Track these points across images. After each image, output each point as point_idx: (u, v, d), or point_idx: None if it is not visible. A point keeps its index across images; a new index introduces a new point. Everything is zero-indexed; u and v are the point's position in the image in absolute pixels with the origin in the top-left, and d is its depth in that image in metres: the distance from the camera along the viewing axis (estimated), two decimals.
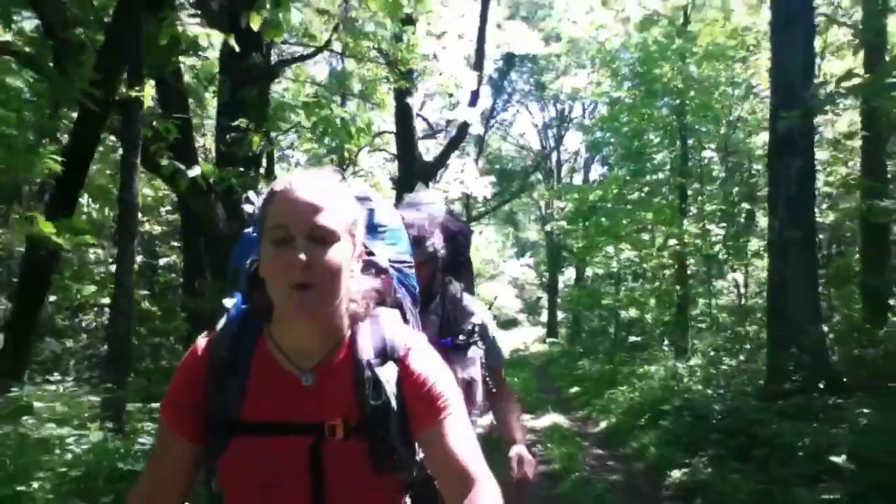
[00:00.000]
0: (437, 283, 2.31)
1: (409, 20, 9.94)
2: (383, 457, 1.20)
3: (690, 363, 9.12)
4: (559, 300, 28.20)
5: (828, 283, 8.61)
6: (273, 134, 9.53)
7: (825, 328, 7.30)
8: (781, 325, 6.99)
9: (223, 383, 1.25)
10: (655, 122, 13.91)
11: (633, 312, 15.47)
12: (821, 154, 8.82)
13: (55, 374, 5.44)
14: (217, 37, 5.21)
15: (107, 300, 8.36)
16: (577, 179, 31.16)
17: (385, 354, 1.26)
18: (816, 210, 7.61)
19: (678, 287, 12.95)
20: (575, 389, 12.35)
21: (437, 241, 2.23)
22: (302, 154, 15.10)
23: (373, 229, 1.50)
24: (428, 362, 1.28)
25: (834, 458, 3.98)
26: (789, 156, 6.83)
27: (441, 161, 14.75)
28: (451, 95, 12.94)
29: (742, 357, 8.17)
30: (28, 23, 6.38)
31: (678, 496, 5.00)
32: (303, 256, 1.14)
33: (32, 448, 3.34)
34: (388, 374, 1.23)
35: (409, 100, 13.12)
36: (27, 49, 4.97)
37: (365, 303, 1.31)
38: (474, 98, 11.60)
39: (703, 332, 11.43)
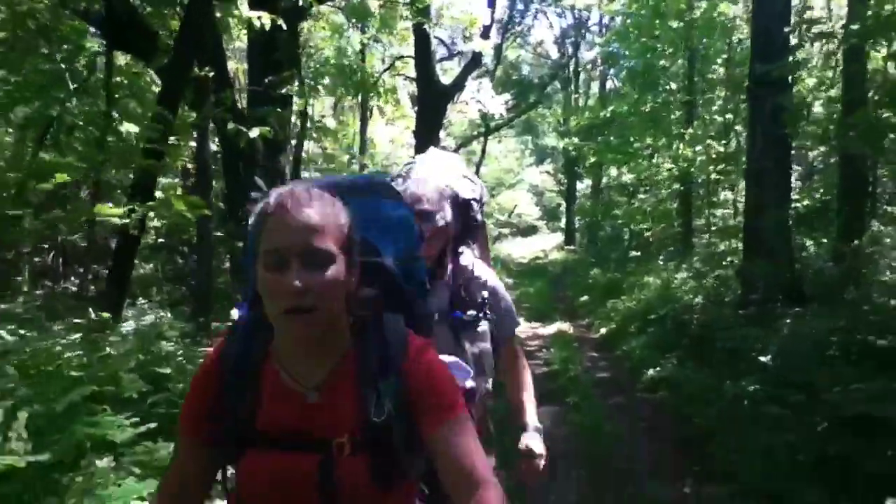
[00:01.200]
0: (447, 255, 2.32)
1: None
2: (390, 470, 1.22)
3: (682, 275, 10.22)
4: (576, 208, 29.02)
5: (802, 209, 9.52)
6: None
7: (794, 247, 8.32)
8: (755, 244, 8.03)
9: (234, 395, 1.27)
10: (663, 41, 14.51)
11: (642, 224, 16.49)
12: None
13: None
14: (266, 18, 6.17)
15: None
16: (595, 88, 31.49)
17: (388, 365, 1.27)
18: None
19: (679, 201, 13.97)
20: (584, 298, 13.49)
21: (446, 215, 2.20)
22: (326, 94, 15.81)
23: (378, 225, 1.48)
24: (430, 368, 1.29)
25: (761, 358, 5.15)
26: (764, 95, 7.66)
27: (458, 84, 15.51)
28: (465, 30, 13.56)
29: (725, 271, 9.24)
30: None
31: (648, 389, 6.25)
32: (297, 283, 1.14)
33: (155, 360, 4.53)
34: (390, 388, 1.24)
35: (426, 26, 13.82)
36: None
37: (366, 314, 1.33)
38: (486, 31, 12.30)
39: (699, 247, 12.45)
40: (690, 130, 12.88)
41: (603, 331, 9.84)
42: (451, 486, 1.19)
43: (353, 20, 13.71)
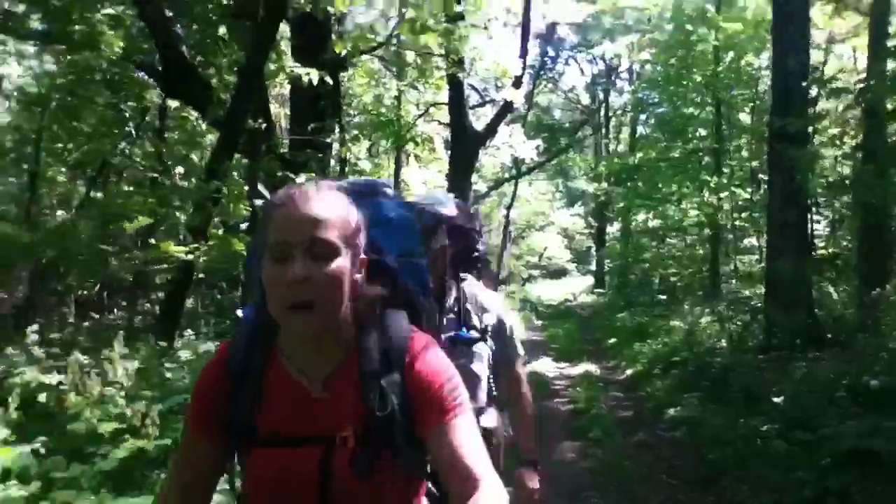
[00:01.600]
0: (447, 279, 2.37)
1: (460, 16, 11.26)
2: (393, 466, 1.23)
3: (707, 319, 10.47)
4: (605, 252, 29.25)
5: (827, 255, 9.77)
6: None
7: (815, 294, 8.56)
8: (776, 291, 8.30)
9: (238, 392, 1.28)
10: (691, 90, 14.94)
11: (671, 269, 16.73)
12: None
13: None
14: (315, 74, 6.72)
15: None
16: (625, 133, 31.93)
17: (391, 361, 1.27)
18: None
19: (707, 246, 14.23)
20: (612, 340, 13.71)
21: (444, 237, 2.28)
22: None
23: (380, 223, 1.48)
24: (434, 364, 1.30)
25: (775, 399, 5.42)
26: (783, 148, 8.01)
27: (490, 131, 16.03)
28: (497, 79, 14.09)
29: (747, 317, 9.48)
30: None
31: (669, 427, 6.51)
32: (301, 272, 1.15)
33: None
34: (393, 382, 1.25)
35: (460, 75, 14.42)
36: None
37: (371, 308, 1.32)
38: (518, 81, 12.83)
39: (723, 291, 12.67)
40: (716, 178, 13.19)
41: (629, 372, 10.08)
42: (452, 485, 1.18)
43: (391, 69, 14.38)
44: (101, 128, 10.20)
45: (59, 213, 13.50)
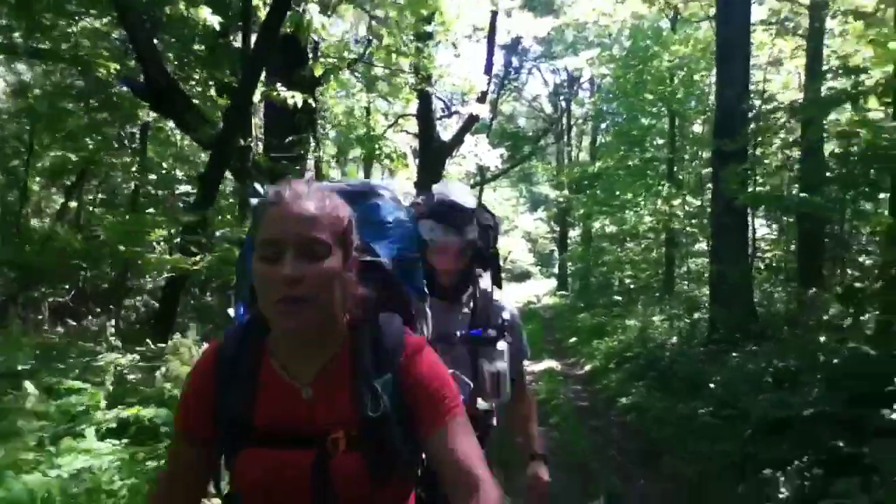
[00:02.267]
0: (472, 274, 2.37)
1: (429, 35, 11.94)
2: (385, 467, 1.22)
3: (658, 318, 11.30)
4: (568, 255, 30.12)
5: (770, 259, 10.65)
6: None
7: (758, 293, 9.42)
8: (719, 291, 9.12)
9: (229, 393, 1.27)
10: (647, 103, 15.83)
11: (628, 272, 17.60)
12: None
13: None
14: (299, 97, 7.32)
15: None
16: (586, 142, 32.91)
17: (383, 362, 1.26)
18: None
19: (663, 250, 15.11)
20: (573, 339, 14.48)
21: (474, 231, 2.27)
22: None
23: (376, 227, 1.49)
24: (427, 367, 1.29)
25: (711, 385, 6.19)
26: (724, 161, 8.82)
27: (456, 141, 16.74)
28: (464, 94, 14.78)
29: (695, 314, 10.31)
30: None
31: (620, 413, 7.26)
32: (290, 272, 1.14)
33: None
34: (386, 384, 1.24)
35: (428, 89, 15.11)
36: None
37: (362, 310, 1.32)
38: (483, 97, 13.56)
39: (675, 291, 13.55)
40: (668, 186, 14.07)
41: (587, 368, 10.83)
42: (450, 488, 1.18)
43: (362, 80, 14.98)
44: (83, 136, 10.61)
45: (34, 221, 13.82)
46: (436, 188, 2.37)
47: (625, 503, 4.76)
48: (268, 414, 1.25)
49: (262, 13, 7.97)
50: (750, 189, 9.00)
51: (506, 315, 2.37)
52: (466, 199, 2.28)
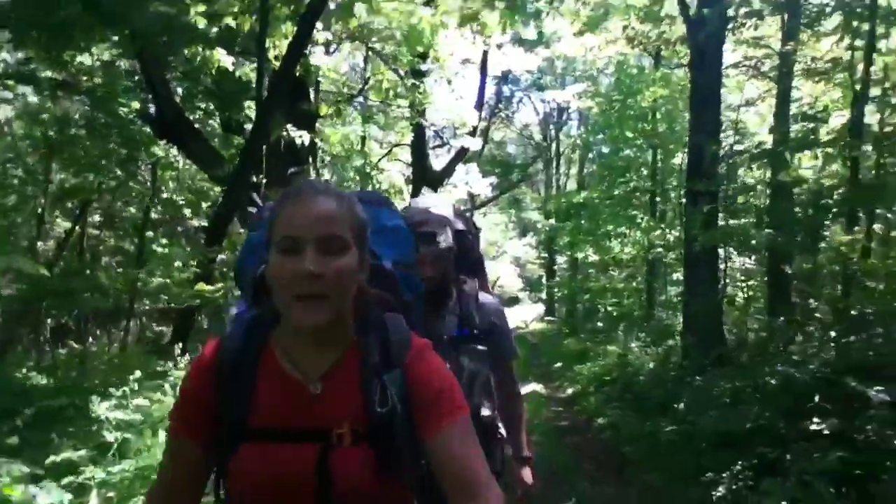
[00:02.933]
0: (451, 280, 2.40)
1: (423, 73, 12.69)
2: (390, 463, 1.22)
3: (637, 344, 11.96)
4: (554, 282, 30.81)
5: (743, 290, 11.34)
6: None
7: (725, 320, 10.08)
8: (691, 320, 9.78)
9: (230, 388, 1.27)
10: (629, 138, 16.62)
11: (612, 299, 18.27)
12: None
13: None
14: (306, 136, 7.99)
15: None
16: (575, 169, 33.76)
17: (391, 360, 1.28)
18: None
19: (645, 280, 15.83)
20: (558, 364, 15.10)
21: (448, 238, 2.30)
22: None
23: (378, 231, 1.50)
24: (434, 368, 1.30)
25: (676, 406, 6.83)
26: (696, 201, 9.51)
27: (447, 172, 17.48)
28: (457, 129, 15.50)
29: (669, 341, 10.97)
30: None
31: (597, 432, 7.89)
32: (312, 267, 1.16)
33: None
34: (394, 379, 1.25)
35: (422, 120, 15.87)
36: None
37: (371, 308, 1.35)
38: (474, 131, 14.30)
39: (656, 319, 14.22)
40: (647, 218, 14.81)
41: (570, 391, 11.44)
42: (450, 492, 1.18)
43: (359, 112, 15.71)
44: (94, 163, 11.17)
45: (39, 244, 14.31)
46: (412, 201, 2.53)
47: None
48: (270, 409, 1.25)
49: (271, 52, 8.66)
50: (722, 223, 9.68)
51: (489, 317, 2.42)
52: (439, 208, 2.38)
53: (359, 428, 1.23)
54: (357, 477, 1.21)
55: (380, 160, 18.22)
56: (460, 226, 2.46)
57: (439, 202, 2.47)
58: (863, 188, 7.49)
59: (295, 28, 7.83)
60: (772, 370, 5.60)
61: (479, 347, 2.35)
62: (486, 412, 2.29)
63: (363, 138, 17.88)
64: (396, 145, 18.64)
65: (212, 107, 10.99)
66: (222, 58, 8.42)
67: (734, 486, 4.24)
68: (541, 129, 35.09)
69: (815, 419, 4.41)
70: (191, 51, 8.46)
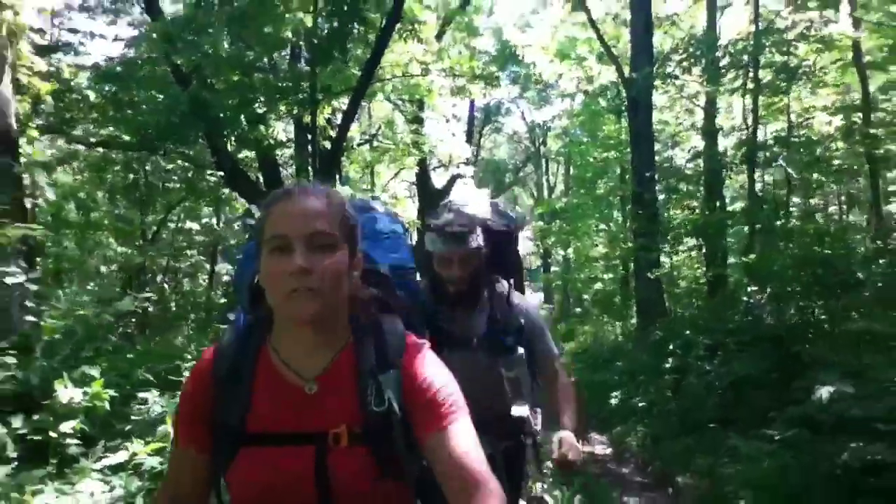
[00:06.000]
0: (482, 280, 2.39)
1: (421, 120, 15.82)
2: (387, 464, 1.23)
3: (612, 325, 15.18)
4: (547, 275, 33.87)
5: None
6: None
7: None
8: (640, 302, 12.85)
9: (227, 394, 1.29)
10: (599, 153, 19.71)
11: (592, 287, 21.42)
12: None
13: None
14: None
15: None
16: (563, 170, 36.70)
17: (387, 361, 1.28)
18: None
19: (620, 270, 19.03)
20: None
21: (478, 239, 2.30)
22: None
23: (374, 237, 1.55)
24: (430, 368, 1.30)
25: (618, 362, 10.00)
26: (639, 215, 12.55)
27: (446, 190, 20.65)
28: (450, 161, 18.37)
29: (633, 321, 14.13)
30: None
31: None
32: (301, 262, 1.17)
33: None
34: (390, 380, 1.26)
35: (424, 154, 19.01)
36: None
37: (367, 309, 1.37)
38: (469, 161, 17.45)
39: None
40: (610, 224, 17.98)
41: None
42: (449, 491, 1.21)
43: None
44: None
45: None
46: (450, 198, 2.56)
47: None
48: (268, 413, 1.28)
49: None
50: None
51: (525, 317, 2.41)
52: (476, 208, 2.41)
53: (355, 429, 1.25)
54: (355, 477, 1.24)
55: (388, 181, 21.37)
56: (498, 225, 2.47)
57: (476, 200, 2.49)
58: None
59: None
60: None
61: (511, 348, 2.36)
62: (517, 412, 2.31)
63: (371, 168, 21.00)
64: (402, 168, 21.81)
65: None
66: (281, 132, 11.49)
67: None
68: (528, 135, 37.98)
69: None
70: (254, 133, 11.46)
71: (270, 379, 1.31)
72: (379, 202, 1.74)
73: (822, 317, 6.34)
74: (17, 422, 3.91)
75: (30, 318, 4.96)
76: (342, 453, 1.24)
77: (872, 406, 3.81)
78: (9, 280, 4.48)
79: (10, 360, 4.34)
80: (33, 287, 4.87)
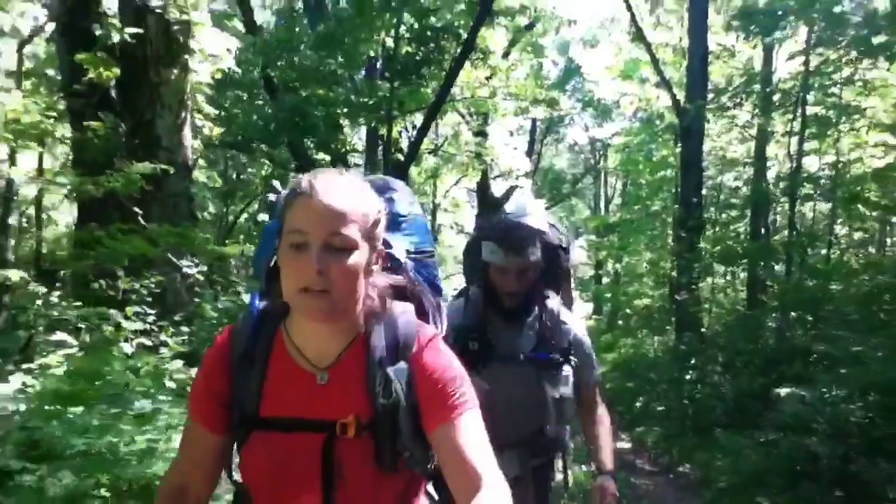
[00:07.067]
0: (536, 294, 2.36)
1: (484, 133, 16.92)
2: (394, 455, 1.25)
3: (657, 338, 15.98)
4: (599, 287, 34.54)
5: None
6: None
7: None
8: (679, 320, 13.66)
9: (242, 376, 1.32)
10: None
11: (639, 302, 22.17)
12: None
13: None
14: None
15: None
16: (620, 183, 37.25)
17: (397, 352, 1.30)
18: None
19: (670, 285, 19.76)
20: None
21: (537, 251, 2.27)
22: None
23: (392, 220, 1.50)
24: (441, 359, 1.31)
25: (652, 375, 10.91)
26: (685, 230, 13.32)
27: (505, 197, 21.66)
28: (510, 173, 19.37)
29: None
30: None
31: (609, 396, 12.02)
32: (316, 265, 1.18)
33: None
34: (399, 372, 1.27)
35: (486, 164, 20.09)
36: None
37: (381, 300, 1.36)
38: (528, 174, 18.45)
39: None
40: (659, 243, 18.74)
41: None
42: (455, 485, 1.22)
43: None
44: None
45: None
46: (508, 206, 2.53)
47: None
48: (279, 399, 1.31)
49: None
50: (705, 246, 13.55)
51: (572, 337, 2.41)
52: (534, 219, 2.37)
53: (363, 419, 1.27)
54: (361, 467, 1.27)
55: (450, 188, 22.54)
56: (553, 240, 2.45)
57: (534, 211, 2.44)
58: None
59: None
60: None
61: (564, 372, 2.35)
62: (550, 428, 2.31)
63: (435, 174, 22.20)
64: (464, 175, 22.94)
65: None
66: (358, 142, 12.75)
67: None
68: (589, 147, 38.65)
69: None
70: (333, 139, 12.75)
71: (284, 364, 1.34)
72: (400, 182, 1.69)
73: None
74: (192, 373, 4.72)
75: (195, 299, 6.46)
76: (350, 443, 1.27)
77: (821, 410, 4.92)
78: (185, 271, 5.91)
79: (185, 328, 5.70)
80: (200, 277, 6.28)
